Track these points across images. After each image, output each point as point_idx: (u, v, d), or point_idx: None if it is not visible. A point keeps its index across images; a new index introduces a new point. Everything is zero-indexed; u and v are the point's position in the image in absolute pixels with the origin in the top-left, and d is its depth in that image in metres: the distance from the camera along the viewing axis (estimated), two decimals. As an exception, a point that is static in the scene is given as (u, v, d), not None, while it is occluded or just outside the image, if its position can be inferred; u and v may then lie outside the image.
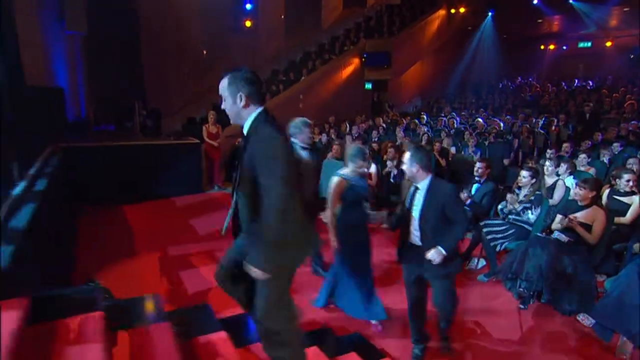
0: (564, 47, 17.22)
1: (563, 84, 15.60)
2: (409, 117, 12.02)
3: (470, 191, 4.62)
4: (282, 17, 16.21)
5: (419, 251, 2.70)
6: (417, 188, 2.74)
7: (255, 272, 1.92)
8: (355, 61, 14.14)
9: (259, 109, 1.95)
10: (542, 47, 17.62)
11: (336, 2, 18.53)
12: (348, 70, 13.95)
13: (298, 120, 3.58)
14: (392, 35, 14.74)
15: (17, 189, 3.75)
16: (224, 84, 1.95)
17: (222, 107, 1.99)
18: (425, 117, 11.80)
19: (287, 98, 11.98)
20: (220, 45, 13.99)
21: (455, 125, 10.08)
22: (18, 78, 7.64)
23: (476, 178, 4.61)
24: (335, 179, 3.20)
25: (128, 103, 11.60)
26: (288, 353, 2.14)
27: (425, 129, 9.29)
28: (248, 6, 14.69)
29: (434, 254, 2.58)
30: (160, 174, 6.79)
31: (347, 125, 10.49)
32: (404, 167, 2.73)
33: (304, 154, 3.49)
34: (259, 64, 15.60)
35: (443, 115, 13.08)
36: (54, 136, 6.89)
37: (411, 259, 2.79)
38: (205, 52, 13.46)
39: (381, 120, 11.72)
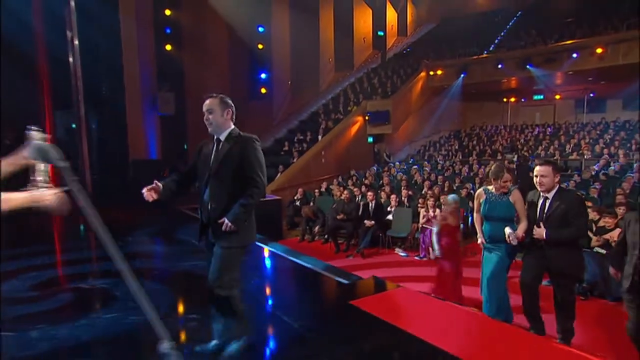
0: (523, 100, 20.72)
1: (527, 131, 18.84)
2: (415, 168, 14.25)
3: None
4: (289, 82, 18.62)
5: (543, 247, 3.12)
6: (546, 198, 3.17)
7: (226, 224, 2.44)
8: (360, 119, 16.49)
9: (233, 126, 2.63)
10: (505, 99, 21.05)
11: (330, 67, 21.34)
12: (355, 128, 16.24)
13: None
14: (387, 96, 17.37)
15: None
16: (215, 102, 2.55)
17: (208, 118, 2.53)
18: (429, 165, 14.17)
19: (313, 155, 13.97)
20: (243, 109, 15.93)
21: (466, 173, 12.33)
22: (124, 154, 9.20)
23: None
24: None
25: (171, 164, 13.14)
26: (236, 318, 2.63)
27: (442, 178, 11.46)
28: (263, 75, 16.98)
29: (509, 231, 3.22)
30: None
31: (372, 178, 12.53)
32: (543, 179, 3.13)
33: None
34: (274, 123, 17.73)
35: (440, 161, 15.57)
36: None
37: (536, 255, 3.26)
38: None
39: (394, 171, 13.92)
